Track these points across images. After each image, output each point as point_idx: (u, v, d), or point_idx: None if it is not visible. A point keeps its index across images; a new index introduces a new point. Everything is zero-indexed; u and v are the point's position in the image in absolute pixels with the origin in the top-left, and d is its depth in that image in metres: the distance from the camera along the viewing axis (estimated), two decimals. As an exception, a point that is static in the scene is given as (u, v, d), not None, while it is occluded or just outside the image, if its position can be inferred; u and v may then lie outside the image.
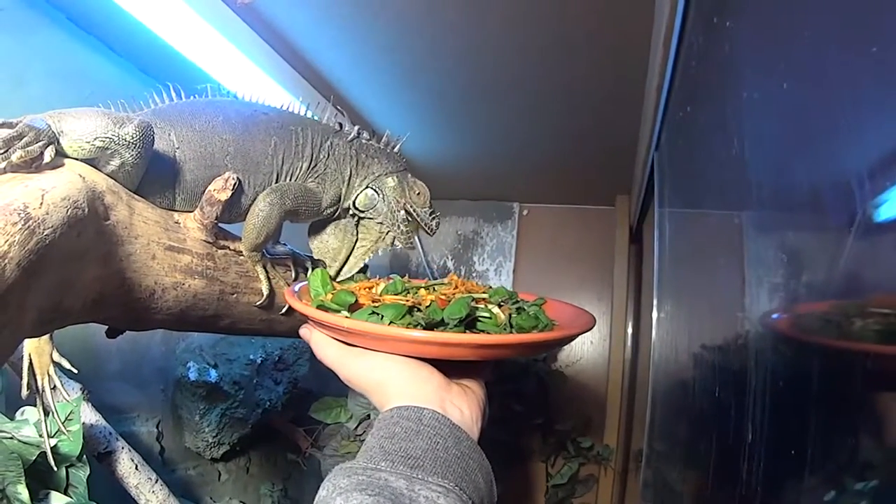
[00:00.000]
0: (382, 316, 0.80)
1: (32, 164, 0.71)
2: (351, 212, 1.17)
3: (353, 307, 0.84)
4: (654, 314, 1.86)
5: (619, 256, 3.14)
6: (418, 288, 0.94)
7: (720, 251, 1.09)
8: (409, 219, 1.15)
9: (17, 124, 0.71)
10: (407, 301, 0.85)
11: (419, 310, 0.83)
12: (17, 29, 1.44)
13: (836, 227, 0.53)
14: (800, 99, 0.66)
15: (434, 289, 0.94)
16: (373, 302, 0.86)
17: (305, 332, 0.90)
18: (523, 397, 2.95)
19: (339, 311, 0.83)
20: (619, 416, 3.04)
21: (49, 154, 0.73)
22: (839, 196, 0.50)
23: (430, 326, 0.79)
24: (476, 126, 2.40)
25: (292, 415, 2.44)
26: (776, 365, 0.70)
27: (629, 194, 3.00)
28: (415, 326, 0.78)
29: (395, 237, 1.17)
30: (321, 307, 0.85)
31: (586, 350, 3.28)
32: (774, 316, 0.74)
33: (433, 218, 1.18)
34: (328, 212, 1.13)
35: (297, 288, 0.96)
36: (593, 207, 3.38)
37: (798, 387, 0.59)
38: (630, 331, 3.08)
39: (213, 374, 2.05)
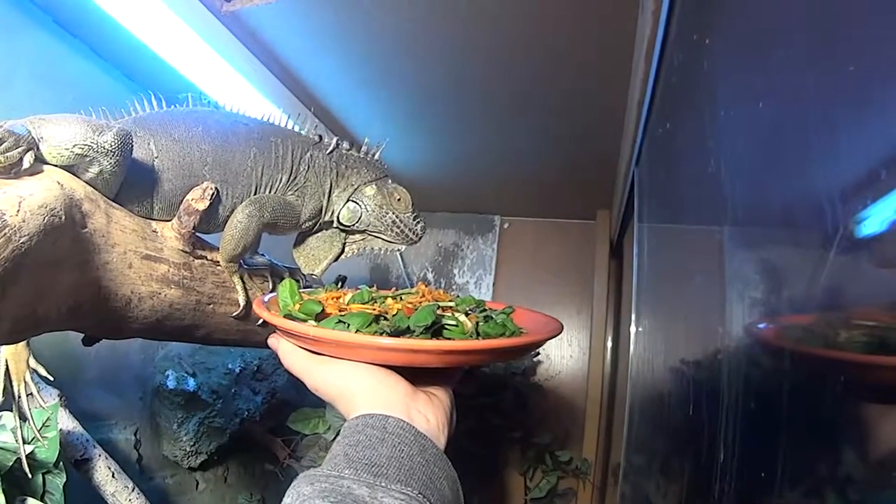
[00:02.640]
0: (349, 324, 0.80)
1: (11, 170, 0.71)
2: (336, 225, 1.17)
3: (320, 316, 0.84)
4: (633, 328, 1.86)
5: (599, 270, 3.15)
6: (385, 297, 0.93)
7: (699, 266, 1.09)
8: (395, 225, 1.15)
9: (-3, 129, 0.71)
10: (373, 310, 0.85)
11: (385, 318, 0.83)
12: (3, 31, 1.43)
13: (816, 242, 0.53)
14: (776, 116, 0.66)
15: (401, 298, 0.94)
16: (340, 311, 0.86)
17: (273, 341, 0.90)
18: (502, 410, 2.95)
19: (306, 321, 0.83)
20: (598, 430, 3.04)
21: (28, 160, 0.73)
22: (818, 211, 0.51)
23: (396, 334, 0.78)
24: (458, 138, 2.40)
25: (270, 425, 2.43)
26: (755, 379, 0.70)
27: (610, 209, 3.01)
28: (381, 334, 0.78)
29: (388, 241, 1.17)
30: (288, 316, 0.85)
31: (565, 364, 3.28)
32: (761, 325, 0.75)
33: (417, 223, 1.18)
34: (308, 224, 1.13)
35: (266, 298, 0.95)
36: (574, 221, 3.38)
37: (777, 400, 0.60)
38: (609, 345, 3.09)
39: (192, 383, 2.04)
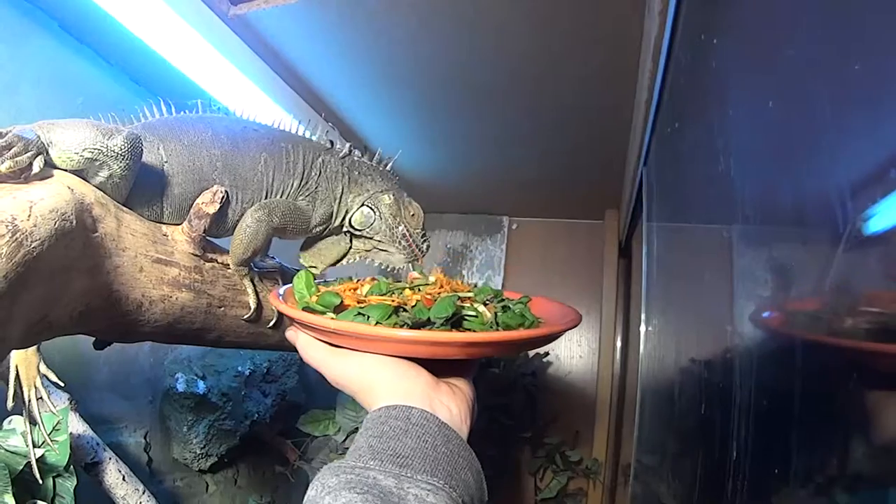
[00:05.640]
0: (368, 316, 0.80)
1: (21, 175, 0.71)
2: (345, 229, 1.17)
3: (339, 308, 0.84)
4: (642, 328, 1.86)
5: (608, 270, 3.14)
6: (403, 288, 0.93)
7: (708, 265, 1.09)
8: (405, 238, 1.15)
9: (6, 134, 0.71)
10: (393, 301, 0.84)
11: (405, 310, 0.83)
12: (9, 37, 1.43)
13: (825, 240, 0.53)
14: (784, 114, 0.66)
15: (419, 289, 0.93)
16: (358, 303, 0.85)
17: (291, 334, 0.90)
18: (512, 411, 2.94)
19: (324, 313, 0.83)
20: (608, 430, 3.03)
21: (38, 165, 0.73)
22: (826, 210, 0.51)
23: (416, 326, 0.79)
24: (466, 140, 2.40)
25: (280, 427, 2.43)
26: (766, 376, 0.70)
27: (618, 208, 3.00)
28: (401, 326, 0.78)
29: (392, 254, 1.17)
30: (307, 309, 0.85)
31: (575, 364, 3.27)
32: (765, 314, 0.75)
33: (424, 241, 1.19)
34: (318, 229, 1.13)
35: (281, 291, 0.95)
36: (582, 221, 3.37)
37: (788, 395, 0.59)
38: (619, 344, 3.08)
39: (202, 386, 2.04)
